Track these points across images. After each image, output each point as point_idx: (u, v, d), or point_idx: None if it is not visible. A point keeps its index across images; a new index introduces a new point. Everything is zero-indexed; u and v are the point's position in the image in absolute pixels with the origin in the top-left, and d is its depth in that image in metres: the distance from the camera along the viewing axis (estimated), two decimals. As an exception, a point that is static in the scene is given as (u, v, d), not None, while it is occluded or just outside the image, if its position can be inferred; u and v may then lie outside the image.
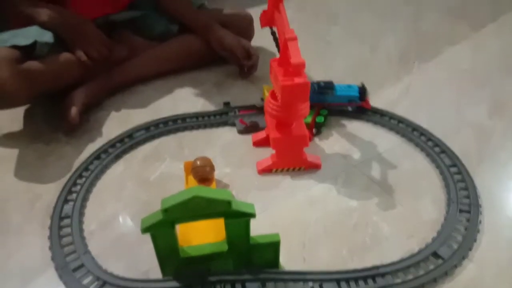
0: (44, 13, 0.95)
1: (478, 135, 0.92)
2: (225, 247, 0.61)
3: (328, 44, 1.31)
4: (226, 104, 1.03)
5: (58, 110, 0.98)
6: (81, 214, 0.77)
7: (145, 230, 0.56)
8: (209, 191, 0.55)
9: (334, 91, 0.95)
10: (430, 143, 0.89)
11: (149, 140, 0.94)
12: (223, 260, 0.62)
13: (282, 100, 0.75)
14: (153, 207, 0.56)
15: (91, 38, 1.00)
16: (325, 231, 0.73)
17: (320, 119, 0.94)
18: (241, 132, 0.95)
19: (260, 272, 0.63)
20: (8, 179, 0.86)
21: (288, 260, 0.67)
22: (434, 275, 0.63)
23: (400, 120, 0.95)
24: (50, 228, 0.74)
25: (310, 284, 0.63)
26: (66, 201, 0.79)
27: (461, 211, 0.74)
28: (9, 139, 0.98)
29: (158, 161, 0.89)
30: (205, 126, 0.97)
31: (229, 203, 0.55)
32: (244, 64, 1.12)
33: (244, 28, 1.17)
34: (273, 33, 0.84)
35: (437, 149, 0.87)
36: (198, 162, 0.77)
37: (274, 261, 0.64)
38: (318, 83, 0.96)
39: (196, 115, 0.99)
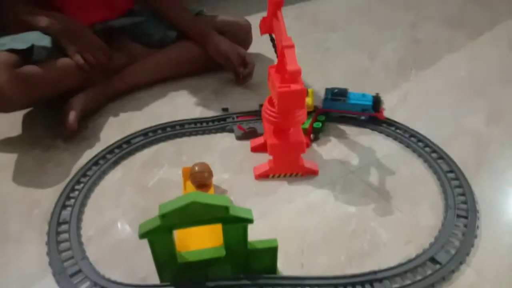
0: (43, 20, 0.96)
1: (475, 142, 0.93)
2: (223, 253, 0.60)
3: (326, 52, 1.32)
4: (225, 110, 1.04)
5: (57, 116, 0.99)
6: (79, 220, 0.77)
7: (142, 235, 0.56)
8: (207, 197, 0.55)
9: (347, 99, 0.95)
10: (427, 149, 0.89)
11: (147, 146, 0.95)
12: (221, 266, 0.62)
13: (279, 107, 0.75)
14: (151, 213, 0.56)
15: (88, 44, 1.01)
16: (323, 237, 0.73)
17: (317, 124, 0.94)
18: (239, 138, 0.96)
19: (258, 277, 0.62)
20: (6, 185, 0.87)
21: (286, 266, 0.67)
22: (431, 280, 0.63)
23: (398, 126, 0.96)
24: (48, 233, 0.74)
25: (308, 289, 0.63)
26: (64, 206, 0.79)
27: (458, 216, 0.74)
28: (8, 145, 0.98)
29: (156, 167, 0.89)
30: (203, 132, 0.98)
31: (226, 208, 0.55)
32: (239, 72, 1.12)
33: (242, 36, 1.18)
34: (272, 40, 0.84)
35: (434, 155, 0.87)
36: (196, 168, 0.77)
37: (272, 267, 0.64)
38: (332, 90, 0.97)
39: (195, 121, 1.00)
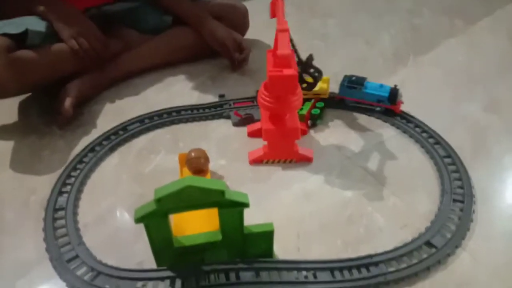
0: (38, 4, 0.95)
1: (472, 128, 0.92)
2: (219, 237, 0.61)
3: (324, 38, 1.31)
4: (221, 96, 1.03)
5: (52, 103, 0.98)
6: (76, 206, 0.77)
7: (138, 220, 0.55)
8: (203, 181, 0.54)
9: (364, 87, 0.94)
10: (425, 135, 0.89)
11: (144, 133, 0.94)
12: (217, 250, 0.62)
13: (270, 91, 0.75)
14: (148, 199, 0.55)
15: (84, 30, 1.00)
16: (320, 222, 0.73)
17: (315, 111, 0.94)
18: (236, 124, 0.95)
19: (254, 261, 0.63)
20: (2, 173, 0.86)
21: (282, 251, 0.67)
22: (427, 264, 0.64)
23: (395, 112, 0.95)
24: (45, 220, 0.74)
25: (304, 273, 0.63)
26: (60, 193, 0.79)
27: (454, 201, 0.74)
28: (3, 132, 0.97)
29: (153, 153, 0.89)
30: (200, 118, 0.97)
31: (222, 192, 0.55)
32: (235, 58, 1.12)
33: (239, 21, 1.17)
34: None
35: (431, 140, 0.87)
36: (193, 154, 0.77)
37: (268, 251, 0.64)
38: (350, 77, 0.95)
39: (191, 108, 0.99)
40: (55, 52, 0.96)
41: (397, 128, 0.92)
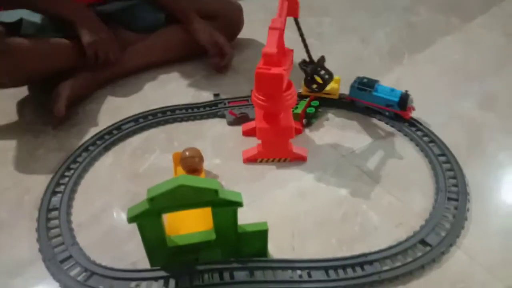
0: (64, 7, 0.97)
1: (467, 126, 0.92)
2: (213, 236, 0.60)
3: (319, 36, 1.31)
4: (216, 95, 1.03)
5: (48, 103, 0.97)
6: (69, 206, 0.77)
7: (131, 219, 0.55)
8: (196, 180, 0.54)
9: (373, 91, 0.92)
10: (419, 133, 0.89)
11: (138, 132, 0.94)
12: (212, 249, 0.62)
13: (256, 88, 0.75)
14: (142, 199, 0.55)
15: (105, 40, 1.01)
16: (315, 221, 0.73)
17: (310, 110, 0.93)
18: (231, 123, 0.95)
19: (248, 260, 0.63)
20: (-4, 172, 0.86)
21: (277, 250, 0.67)
22: (421, 262, 0.64)
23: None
24: (38, 220, 0.74)
25: (299, 272, 0.63)
26: (54, 193, 0.79)
27: (449, 199, 0.74)
28: (-2, 132, 0.97)
29: (147, 153, 0.89)
30: (194, 117, 0.97)
31: (216, 191, 0.55)
32: (213, 63, 1.11)
33: (233, 18, 1.16)
34: (296, 23, 0.82)
35: (426, 138, 0.87)
36: (187, 153, 0.76)
37: (262, 250, 0.64)
38: (361, 79, 0.94)
39: (186, 107, 0.99)
40: (51, 44, 0.96)
41: (392, 126, 0.92)
